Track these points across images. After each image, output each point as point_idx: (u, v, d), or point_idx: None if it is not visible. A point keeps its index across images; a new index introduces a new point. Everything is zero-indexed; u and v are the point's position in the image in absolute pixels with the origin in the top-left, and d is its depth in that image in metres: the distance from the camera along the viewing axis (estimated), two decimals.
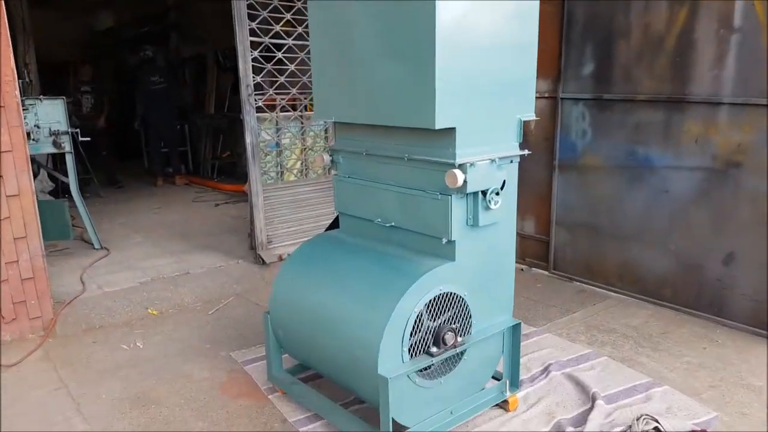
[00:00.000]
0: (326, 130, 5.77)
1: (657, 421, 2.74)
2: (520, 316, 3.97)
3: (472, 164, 2.54)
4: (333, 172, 3.18)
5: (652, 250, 4.33)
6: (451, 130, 2.51)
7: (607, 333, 3.88)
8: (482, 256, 2.77)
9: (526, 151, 2.81)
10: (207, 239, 6.19)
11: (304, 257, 3.09)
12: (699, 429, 2.73)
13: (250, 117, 5.07)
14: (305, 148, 5.56)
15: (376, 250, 2.88)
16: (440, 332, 2.61)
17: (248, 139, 5.08)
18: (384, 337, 2.45)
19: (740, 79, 3.74)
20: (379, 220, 2.92)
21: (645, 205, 4.33)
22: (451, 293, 2.66)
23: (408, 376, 2.54)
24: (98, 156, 8.88)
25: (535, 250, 5.24)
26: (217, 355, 3.71)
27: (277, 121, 5.47)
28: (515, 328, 2.95)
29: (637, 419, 2.76)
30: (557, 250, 5.03)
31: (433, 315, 2.62)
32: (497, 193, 2.67)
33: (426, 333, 2.60)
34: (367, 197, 2.98)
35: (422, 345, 2.60)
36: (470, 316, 2.76)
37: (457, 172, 2.48)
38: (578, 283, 4.82)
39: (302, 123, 5.69)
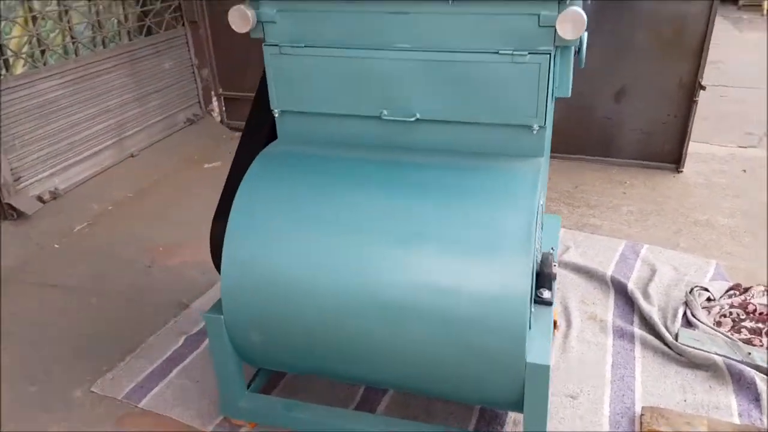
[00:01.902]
0: None
1: (707, 290, 2.45)
2: None
3: None
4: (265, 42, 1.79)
5: None
6: None
7: None
8: (549, 140, 1.91)
9: None
10: None
11: (272, 203, 1.74)
12: (733, 284, 2.53)
13: None
14: (35, 16, 3.42)
15: (408, 166, 1.74)
16: (544, 266, 1.75)
17: None
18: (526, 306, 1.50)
19: None
20: (386, 113, 1.76)
21: None
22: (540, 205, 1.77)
23: None
24: None
25: None
26: (68, 398, 2.13)
27: None
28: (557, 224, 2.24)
29: (690, 292, 2.43)
30: None
31: None
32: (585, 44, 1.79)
33: None
34: (350, 78, 1.75)
35: None
36: (540, 228, 1.93)
37: (579, 9, 1.50)
38: None
39: None
